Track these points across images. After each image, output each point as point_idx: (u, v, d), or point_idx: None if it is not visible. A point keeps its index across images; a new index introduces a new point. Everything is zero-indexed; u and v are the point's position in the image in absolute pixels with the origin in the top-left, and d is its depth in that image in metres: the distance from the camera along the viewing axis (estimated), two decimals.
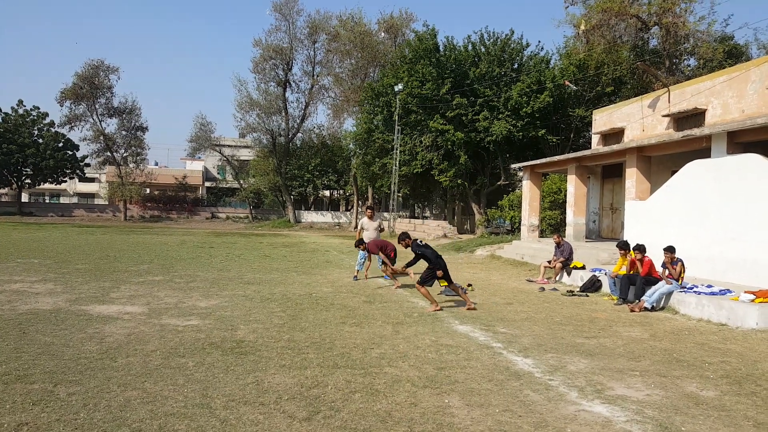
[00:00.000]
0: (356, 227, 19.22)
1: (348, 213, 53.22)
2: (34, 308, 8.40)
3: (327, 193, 59.89)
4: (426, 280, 9.26)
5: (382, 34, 42.15)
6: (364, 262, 13.01)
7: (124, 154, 51.66)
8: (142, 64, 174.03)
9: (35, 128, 50.55)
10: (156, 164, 68.77)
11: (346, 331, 7.47)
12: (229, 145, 57.21)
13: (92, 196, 68.86)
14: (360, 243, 12.71)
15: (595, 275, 12.33)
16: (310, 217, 52.13)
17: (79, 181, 63.67)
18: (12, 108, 49.99)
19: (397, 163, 31.96)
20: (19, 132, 48.51)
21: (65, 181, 55.86)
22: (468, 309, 9.20)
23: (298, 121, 48.58)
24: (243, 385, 5.08)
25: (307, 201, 57.91)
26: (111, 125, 52.07)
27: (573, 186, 17.57)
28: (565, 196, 19.03)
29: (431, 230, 34.94)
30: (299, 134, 50.22)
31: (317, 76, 46.75)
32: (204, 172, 65.66)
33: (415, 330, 7.68)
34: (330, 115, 49.71)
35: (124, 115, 50.71)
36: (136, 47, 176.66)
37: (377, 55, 41.56)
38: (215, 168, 65.26)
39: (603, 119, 21.49)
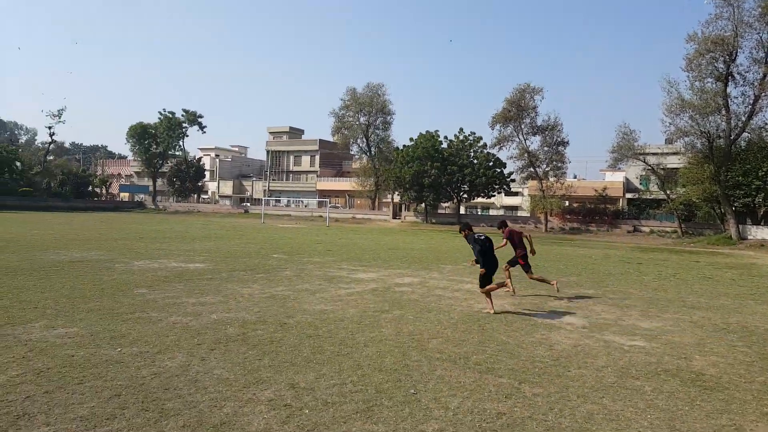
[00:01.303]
0: None
1: None
2: (485, 307, 9.72)
3: None
4: None
5: None
6: None
7: (546, 169, 55.27)
8: (564, 80, 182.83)
9: (471, 150, 59.96)
10: (574, 177, 70.62)
11: None
12: (653, 153, 53.45)
13: (515, 208, 76.57)
14: None
15: None
16: (760, 233, 43.13)
17: (505, 195, 71.74)
18: (455, 135, 60.88)
19: None
20: (459, 155, 58.56)
21: (494, 195, 64.02)
22: None
23: (743, 118, 41.09)
24: (717, 426, 4.45)
25: (755, 214, 48.10)
26: (534, 142, 56.63)
27: None
28: None
29: None
30: (744, 134, 42.35)
31: None
32: (625, 183, 63.42)
33: None
34: None
35: (546, 132, 54.44)
36: (560, 65, 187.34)
37: None
38: (637, 178, 62.12)
39: None
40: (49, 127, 75.06)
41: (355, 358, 6.10)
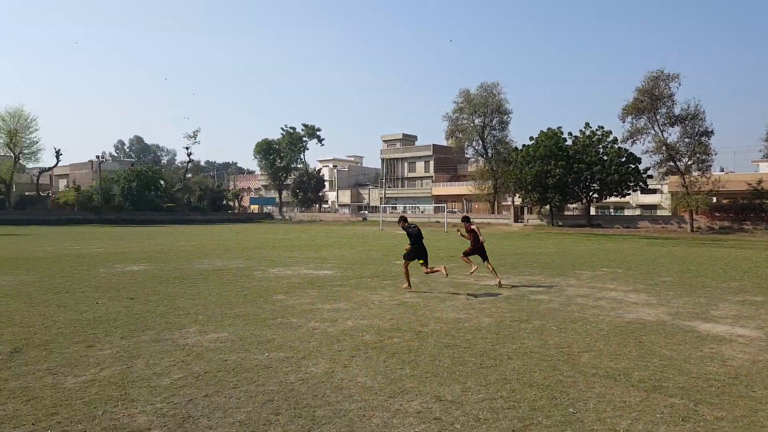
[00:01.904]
0: None
1: None
2: (637, 318, 8.89)
3: None
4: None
5: None
6: None
7: (688, 163, 50.34)
8: (703, 62, 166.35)
9: (600, 146, 56.35)
10: (721, 170, 63.66)
11: None
12: None
13: (654, 207, 70.63)
14: None
15: None
16: None
17: (641, 193, 66.51)
18: (580, 131, 57.62)
19: None
20: (586, 152, 55.28)
21: (628, 194, 59.58)
22: None
23: None
24: None
25: None
26: (672, 134, 51.89)
27: None
28: None
29: None
30: None
31: None
32: None
33: None
34: None
35: (686, 122, 49.58)
36: (697, 46, 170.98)
37: None
38: None
39: None
40: (187, 148, 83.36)
41: (501, 372, 5.81)
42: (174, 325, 7.96)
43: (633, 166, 53.81)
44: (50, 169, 75.77)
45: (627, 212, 69.75)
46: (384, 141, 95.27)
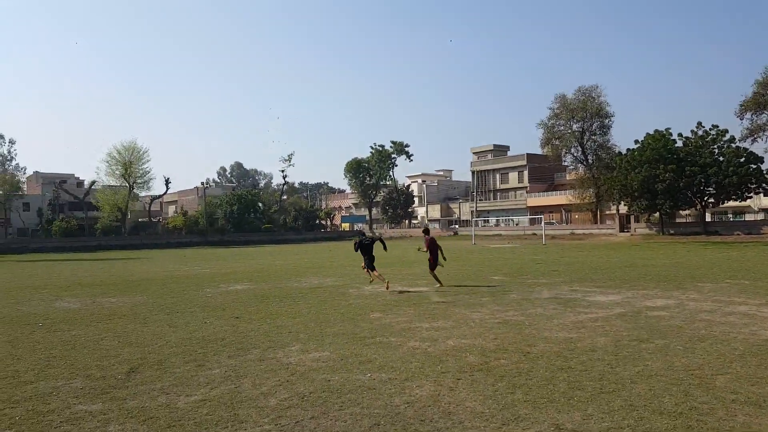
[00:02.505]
0: None
1: None
2: None
3: None
4: None
5: None
6: None
7: None
8: None
9: (714, 146, 51.95)
10: None
11: None
12: None
13: None
14: None
15: None
16: None
17: (764, 196, 60.40)
18: (692, 131, 53.46)
19: None
20: (699, 153, 51.14)
21: (750, 197, 54.31)
22: None
23: None
24: None
25: None
26: None
27: None
28: None
29: None
30: None
31: None
32: None
33: None
34: None
35: None
36: None
37: None
38: None
39: None
40: (282, 171, 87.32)
41: (625, 397, 5.30)
42: (277, 343, 8.13)
43: (754, 167, 49.10)
44: (160, 196, 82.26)
45: (748, 217, 63.59)
46: (474, 153, 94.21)
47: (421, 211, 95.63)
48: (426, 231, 16.19)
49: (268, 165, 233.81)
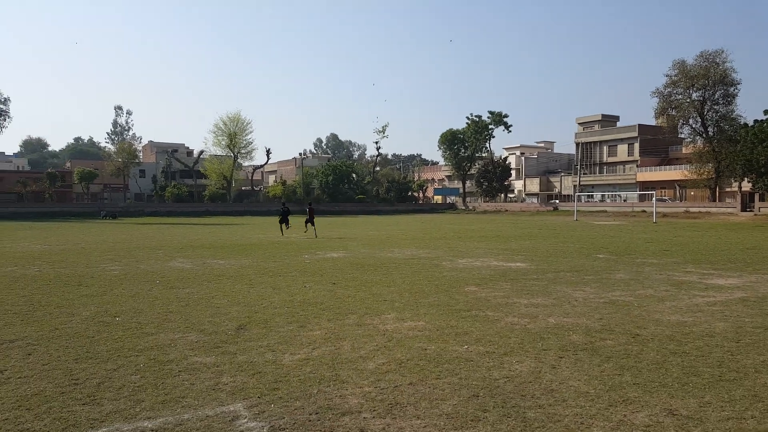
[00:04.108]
0: None
1: None
2: None
3: None
4: None
5: None
6: None
7: None
8: None
9: None
10: None
11: None
12: None
13: None
14: None
15: None
16: None
17: None
18: None
19: None
20: None
21: None
22: None
23: None
24: None
25: None
26: None
27: None
28: None
29: None
30: None
31: None
32: None
33: None
34: None
35: None
36: None
37: None
38: None
39: None
40: (376, 142, 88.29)
41: (747, 387, 4.93)
42: (373, 310, 8.35)
43: None
44: (262, 166, 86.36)
45: None
46: (579, 123, 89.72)
47: (518, 185, 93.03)
48: (310, 204, 27.23)
49: (362, 136, 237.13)
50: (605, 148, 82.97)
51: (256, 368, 5.52)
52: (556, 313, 8.14)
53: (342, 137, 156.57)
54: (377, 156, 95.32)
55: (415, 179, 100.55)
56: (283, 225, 26.55)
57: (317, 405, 4.55)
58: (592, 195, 74.90)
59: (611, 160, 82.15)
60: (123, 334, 6.93)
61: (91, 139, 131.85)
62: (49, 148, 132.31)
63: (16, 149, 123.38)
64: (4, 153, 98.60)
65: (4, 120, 63.66)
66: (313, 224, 26.25)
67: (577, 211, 55.85)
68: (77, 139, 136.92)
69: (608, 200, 71.33)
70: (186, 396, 4.78)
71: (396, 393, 4.82)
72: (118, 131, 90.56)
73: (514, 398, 4.66)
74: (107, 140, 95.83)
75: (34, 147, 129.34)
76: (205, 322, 7.60)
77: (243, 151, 75.58)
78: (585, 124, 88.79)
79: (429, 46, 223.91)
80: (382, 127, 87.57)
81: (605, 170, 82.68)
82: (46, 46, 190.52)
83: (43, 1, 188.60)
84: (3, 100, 63.14)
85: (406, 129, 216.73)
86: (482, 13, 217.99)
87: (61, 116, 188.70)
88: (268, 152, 77.91)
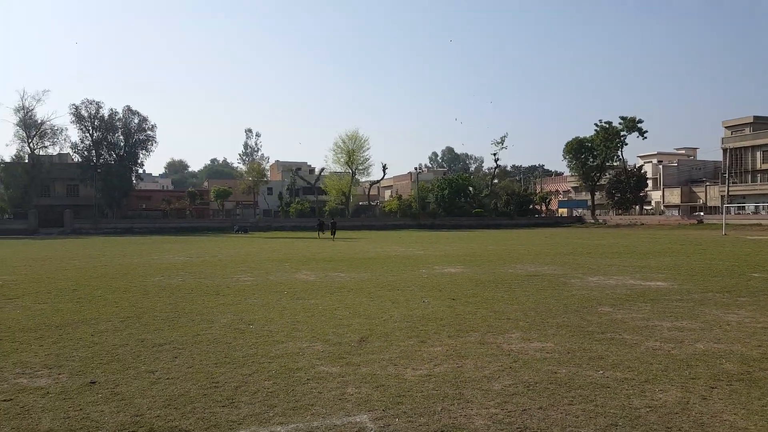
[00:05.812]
0: None
1: None
2: None
3: None
4: None
5: None
6: None
7: None
8: None
9: None
10: None
11: None
12: None
13: None
14: None
15: None
16: None
17: None
18: None
19: None
20: None
21: None
22: None
23: None
24: None
25: None
26: None
27: None
28: None
29: None
30: None
31: None
32: None
33: None
34: None
35: None
36: None
37: None
38: None
39: None
40: (494, 154, 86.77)
41: None
42: (496, 329, 8.17)
43: None
44: (378, 181, 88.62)
45: None
46: (727, 127, 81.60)
47: (655, 196, 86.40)
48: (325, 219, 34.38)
49: (479, 149, 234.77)
50: (759, 154, 74.53)
51: (379, 381, 5.63)
52: (705, 338, 7.42)
53: (458, 150, 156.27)
54: (495, 168, 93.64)
55: (537, 191, 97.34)
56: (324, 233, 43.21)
57: (442, 423, 4.53)
58: (744, 206, 67.57)
59: (766, 167, 73.61)
60: (256, 341, 7.43)
61: (225, 160, 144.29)
62: (189, 169, 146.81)
63: (162, 170, 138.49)
64: (151, 174, 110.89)
65: (152, 144, 71.86)
66: (333, 234, 41.62)
67: (726, 224, 50.61)
68: (213, 160, 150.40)
69: (763, 212, 63.91)
70: (315, 404, 5.00)
71: (525, 417, 4.66)
72: (249, 152, 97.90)
73: (658, 430, 4.31)
74: (239, 161, 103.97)
75: (176, 168, 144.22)
76: (329, 333, 7.91)
77: (360, 167, 78.12)
78: (733, 128, 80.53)
79: (547, 50, 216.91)
80: (501, 138, 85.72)
81: (759, 178, 74.23)
82: (191, 83, 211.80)
83: (188, 46, 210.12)
84: (151, 126, 71.21)
85: (527, 139, 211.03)
86: (613, 12, 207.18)
87: (200, 140, 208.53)
88: (384, 168, 79.77)
